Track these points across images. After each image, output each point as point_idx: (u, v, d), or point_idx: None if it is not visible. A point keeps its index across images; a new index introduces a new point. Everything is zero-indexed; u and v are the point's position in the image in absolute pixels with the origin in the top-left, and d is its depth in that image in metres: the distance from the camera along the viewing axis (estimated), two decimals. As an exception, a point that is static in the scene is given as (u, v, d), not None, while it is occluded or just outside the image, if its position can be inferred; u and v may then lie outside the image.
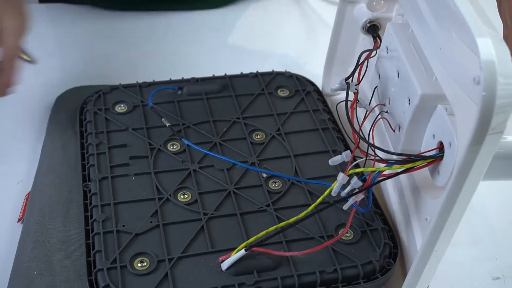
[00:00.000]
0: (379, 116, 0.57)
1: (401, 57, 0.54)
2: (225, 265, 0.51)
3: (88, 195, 0.58)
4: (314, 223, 0.56)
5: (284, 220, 0.54)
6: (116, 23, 0.86)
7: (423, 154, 0.49)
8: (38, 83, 0.75)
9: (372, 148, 0.51)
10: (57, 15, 0.87)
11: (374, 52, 0.57)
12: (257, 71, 0.73)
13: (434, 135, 0.49)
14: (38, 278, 0.53)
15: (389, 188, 0.60)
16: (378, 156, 0.51)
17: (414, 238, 0.53)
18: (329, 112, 0.68)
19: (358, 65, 0.56)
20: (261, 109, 0.68)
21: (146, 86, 0.70)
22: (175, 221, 0.55)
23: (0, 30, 0.57)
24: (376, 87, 0.59)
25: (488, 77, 0.37)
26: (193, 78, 0.71)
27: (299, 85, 0.71)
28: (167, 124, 0.63)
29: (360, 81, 0.56)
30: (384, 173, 0.50)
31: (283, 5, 0.92)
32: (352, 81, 0.55)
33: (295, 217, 0.53)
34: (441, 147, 0.48)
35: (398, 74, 0.54)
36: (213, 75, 0.72)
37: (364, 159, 0.52)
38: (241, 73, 0.72)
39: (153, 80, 0.70)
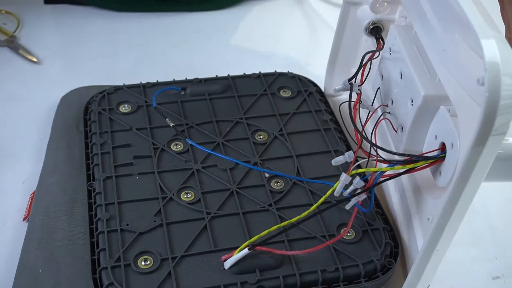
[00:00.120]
0: (382, 117, 0.57)
1: (404, 58, 0.53)
2: (227, 264, 0.51)
3: (93, 194, 0.58)
4: (316, 222, 0.55)
5: (286, 220, 0.54)
6: (121, 24, 0.85)
7: (425, 155, 0.49)
8: (43, 83, 0.75)
9: (375, 148, 0.51)
10: (62, 16, 0.86)
11: (377, 54, 0.57)
12: (260, 72, 0.72)
13: (436, 136, 0.49)
14: (43, 276, 0.53)
15: (391, 188, 0.60)
16: (380, 156, 0.51)
17: (415, 237, 0.53)
18: (331, 112, 0.68)
19: (361, 66, 0.55)
20: (264, 110, 0.68)
21: (150, 86, 0.69)
22: (178, 220, 0.55)
23: None
24: (379, 88, 0.59)
25: (492, 78, 0.36)
26: (196, 79, 0.70)
27: (301, 85, 0.71)
28: (171, 124, 0.63)
29: (363, 82, 0.56)
30: (386, 173, 0.50)
31: (286, 6, 0.92)
32: (355, 81, 0.55)
33: (297, 217, 0.52)
34: (443, 147, 0.48)
35: (401, 75, 0.54)
36: (216, 75, 0.71)
37: (367, 159, 0.51)
38: (244, 73, 0.72)
39: (157, 81, 0.70)
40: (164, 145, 0.62)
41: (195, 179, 0.59)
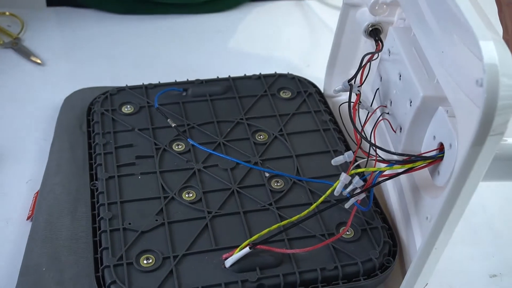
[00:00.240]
0: (381, 118, 0.57)
1: (403, 60, 0.53)
2: (228, 262, 0.51)
3: (96, 194, 0.58)
4: (315, 221, 0.55)
5: (286, 219, 0.54)
6: (122, 26, 0.85)
7: (423, 155, 0.49)
8: (47, 85, 0.75)
9: (374, 148, 0.50)
10: (64, 18, 0.86)
11: (376, 55, 0.57)
12: (260, 73, 0.72)
13: (434, 136, 0.49)
14: (46, 275, 0.53)
15: (389, 188, 0.60)
16: (379, 156, 0.50)
17: (413, 236, 0.53)
18: (330, 113, 0.68)
19: (360, 67, 0.55)
20: (264, 110, 0.67)
21: (152, 87, 0.69)
22: (180, 219, 0.55)
23: None
24: (378, 89, 0.59)
25: (491, 80, 0.36)
26: (197, 80, 0.70)
27: (301, 86, 0.71)
28: (173, 125, 0.63)
29: (363, 83, 0.55)
30: (385, 173, 0.50)
31: (286, 9, 0.91)
32: (354, 82, 0.55)
33: (297, 216, 0.52)
34: (441, 148, 0.48)
35: (400, 76, 0.54)
36: (217, 77, 0.71)
37: (366, 159, 0.51)
38: (245, 75, 0.72)
39: (159, 82, 0.70)
40: (166, 145, 0.62)
41: (196, 179, 0.59)
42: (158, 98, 0.66)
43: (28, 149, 0.66)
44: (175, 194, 0.57)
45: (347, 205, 0.52)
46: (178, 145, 0.62)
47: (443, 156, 0.47)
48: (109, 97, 0.68)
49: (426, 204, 0.51)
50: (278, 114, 0.67)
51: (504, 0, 0.48)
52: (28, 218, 0.59)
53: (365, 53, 0.56)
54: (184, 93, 0.69)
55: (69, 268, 0.53)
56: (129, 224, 0.54)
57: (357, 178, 0.50)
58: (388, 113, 0.57)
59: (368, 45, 0.64)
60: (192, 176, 0.59)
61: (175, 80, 0.70)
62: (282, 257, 0.52)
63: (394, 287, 0.53)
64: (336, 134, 0.65)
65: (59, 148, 0.64)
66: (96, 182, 0.59)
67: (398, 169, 0.48)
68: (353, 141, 0.54)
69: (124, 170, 0.60)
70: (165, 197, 0.57)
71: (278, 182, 0.59)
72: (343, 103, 0.58)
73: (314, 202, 0.53)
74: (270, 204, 0.57)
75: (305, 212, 0.52)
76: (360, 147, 0.52)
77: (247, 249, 0.50)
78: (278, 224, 0.53)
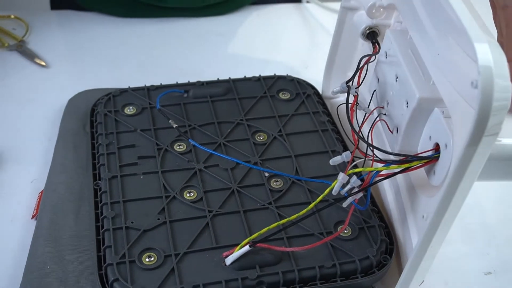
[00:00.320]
0: (378, 118, 0.57)
1: (400, 62, 0.53)
2: (229, 260, 0.51)
3: (99, 193, 0.58)
4: (313, 220, 0.55)
5: (285, 217, 0.54)
6: (125, 30, 0.85)
7: (419, 155, 0.48)
8: (51, 86, 0.75)
9: (371, 148, 0.50)
10: (68, 21, 0.86)
11: (373, 57, 0.57)
12: (260, 75, 0.72)
13: (430, 137, 0.49)
14: (51, 272, 0.52)
15: (386, 187, 0.60)
16: (376, 156, 0.50)
17: (410, 234, 0.53)
18: (328, 114, 0.68)
19: (358, 69, 0.55)
20: (264, 111, 0.67)
21: (154, 89, 0.69)
22: (181, 218, 0.55)
23: None
24: (375, 90, 0.59)
25: (486, 81, 0.36)
26: (198, 82, 0.70)
27: (300, 88, 0.71)
28: (174, 126, 0.63)
29: (360, 85, 0.55)
30: (382, 172, 0.49)
31: (285, 12, 0.91)
32: (352, 84, 0.55)
33: (296, 215, 0.52)
34: (437, 148, 0.47)
35: (397, 78, 0.54)
36: (218, 78, 0.71)
37: (363, 159, 0.51)
38: (244, 77, 0.72)
39: (161, 84, 0.70)
40: (167, 146, 0.62)
41: (197, 179, 0.59)
42: (160, 99, 0.66)
43: (33, 150, 0.66)
44: (176, 193, 0.57)
45: (345, 204, 0.52)
46: (179, 145, 0.62)
47: (438, 156, 0.47)
48: (112, 99, 0.68)
49: (422, 203, 0.51)
50: (277, 115, 0.67)
51: (499, 4, 0.48)
52: (32, 217, 0.59)
53: (363, 55, 0.56)
54: (186, 95, 0.69)
55: (73, 265, 0.53)
56: (132, 222, 0.54)
57: (354, 177, 0.50)
58: (385, 114, 0.57)
59: (365, 47, 0.63)
60: (193, 176, 0.59)
61: (177, 82, 0.70)
62: (281, 255, 0.52)
63: (391, 284, 0.53)
64: (334, 134, 0.64)
65: (63, 149, 0.64)
66: (99, 181, 0.59)
67: (395, 169, 0.48)
68: (351, 141, 0.54)
69: (126, 170, 0.59)
70: (167, 197, 0.57)
71: (277, 181, 0.59)
72: (341, 104, 0.57)
73: (313, 201, 0.53)
74: (270, 203, 0.57)
75: (304, 211, 0.52)
76: (357, 147, 0.51)
77: (247, 247, 0.50)
78: (277, 223, 0.53)
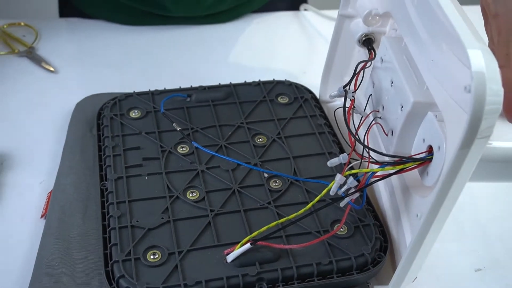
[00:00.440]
0: (373, 122, 0.57)
1: (395, 67, 0.53)
2: (230, 258, 0.51)
3: (105, 193, 0.57)
4: (311, 219, 0.55)
5: (284, 216, 0.53)
6: (131, 37, 0.85)
7: (413, 157, 0.48)
8: (59, 91, 0.75)
9: (367, 150, 0.50)
10: (76, 28, 0.86)
11: (369, 63, 0.57)
12: (259, 80, 0.72)
13: (424, 139, 0.48)
14: (59, 269, 0.52)
15: (381, 188, 0.60)
16: (372, 158, 0.50)
17: (404, 233, 0.53)
18: (325, 117, 0.68)
19: (354, 74, 0.55)
20: (263, 115, 0.67)
21: (158, 93, 0.69)
22: (184, 217, 0.55)
23: None
24: (371, 95, 0.59)
25: (479, 86, 0.36)
26: (200, 86, 0.70)
27: (298, 92, 0.70)
28: (178, 129, 0.63)
29: (357, 89, 0.55)
30: (378, 174, 0.49)
31: (284, 20, 0.91)
32: (349, 89, 0.55)
33: (295, 214, 0.52)
34: (430, 150, 0.47)
35: (392, 83, 0.54)
36: (219, 83, 0.71)
37: (359, 161, 0.51)
38: (245, 81, 0.72)
39: (164, 88, 0.70)
40: (171, 148, 0.62)
41: (199, 179, 0.59)
42: (163, 103, 0.65)
43: (42, 152, 0.66)
44: (179, 193, 0.57)
45: (341, 204, 0.52)
46: (182, 147, 0.62)
47: (432, 158, 0.47)
48: (118, 103, 0.67)
49: (416, 202, 0.51)
50: (276, 118, 0.66)
51: (491, 12, 0.48)
52: (42, 216, 0.58)
53: (359, 61, 0.56)
54: (188, 99, 0.68)
55: (80, 263, 0.53)
56: (137, 221, 0.54)
57: (351, 178, 0.49)
58: (380, 118, 0.57)
59: (361, 53, 0.63)
60: (196, 177, 0.59)
61: (180, 87, 0.70)
62: (280, 252, 0.52)
63: (385, 280, 0.53)
64: (331, 137, 0.64)
65: (71, 151, 0.64)
66: (106, 182, 0.58)
67: (390, 170, 0.48)
68: (347, 143, 0.54)
69: (132, 171, 0.59)
70: (170, 196, 0.57)
71: (276, 182, 0.59)
72: (338, 108, 0.57)
73: (311, 201, 0.53)
74: (269, 203, 0.57)
75: (302, 210, 0.52)
76: (354, 150, 0.51)
77: (247, 245, 0.50)
78: (276, 222, 0.52)
